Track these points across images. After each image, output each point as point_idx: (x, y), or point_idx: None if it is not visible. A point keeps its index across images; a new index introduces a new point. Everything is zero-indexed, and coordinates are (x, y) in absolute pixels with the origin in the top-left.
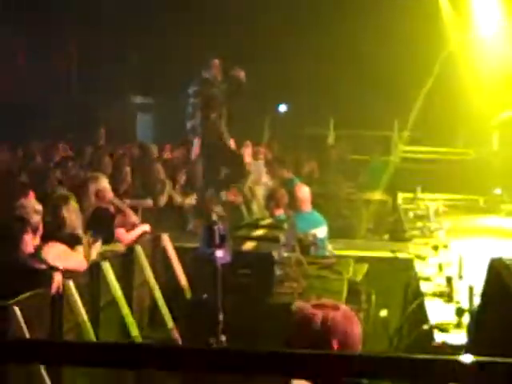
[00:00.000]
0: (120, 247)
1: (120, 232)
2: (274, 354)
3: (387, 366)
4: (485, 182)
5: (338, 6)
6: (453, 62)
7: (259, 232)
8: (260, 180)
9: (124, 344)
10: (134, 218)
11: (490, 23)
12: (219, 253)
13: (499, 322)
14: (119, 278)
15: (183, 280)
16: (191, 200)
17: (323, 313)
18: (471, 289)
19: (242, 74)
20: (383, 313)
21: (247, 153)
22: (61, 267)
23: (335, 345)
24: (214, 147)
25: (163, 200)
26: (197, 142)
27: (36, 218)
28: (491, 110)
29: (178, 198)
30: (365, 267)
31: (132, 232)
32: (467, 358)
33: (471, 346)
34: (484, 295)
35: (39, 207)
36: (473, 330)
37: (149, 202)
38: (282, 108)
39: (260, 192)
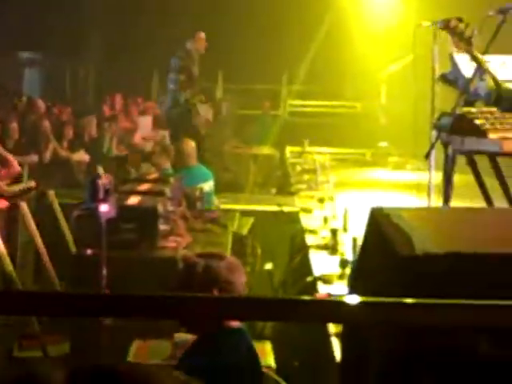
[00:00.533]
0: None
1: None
2: (140, 297)
3: (274, 308)
4: (372, 136)
5: None
6: (342, 15)
7: (145, 186)
8: (148, 135)
9: None
10: (18, 168)
11: None
12: (103, 207)
13: (375, 270)
14: (2, 235)
15: (68, 236)
16: (79, 156)
17: (206, 262)
18: (355, 240)
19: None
20: (268, 265)
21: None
22: None
23: (216, 293)
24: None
25: (48, 156)
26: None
27: None
28: (379, 64)
29: (63, 153)
30: (250, 221)
31: (15, 186)
32: (352, 299)
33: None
34: (363, 245)
35: None
36: (352, 279)
37: (34, 157)
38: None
39: (148, 146)
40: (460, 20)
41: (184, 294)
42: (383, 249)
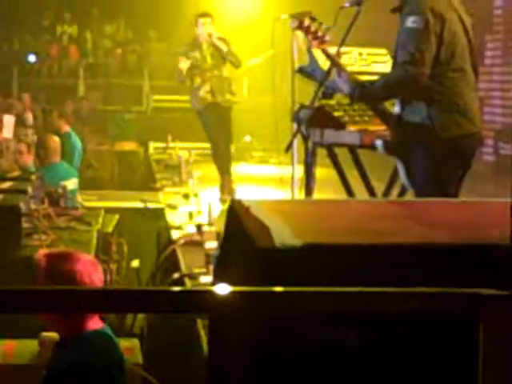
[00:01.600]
0: None
1: None
2: None
3: (145, 300)
4: (235, 130)
5: None
6: (203, 9)
7: (6, 184)
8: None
9: None
10: None
11: None
12: None
13: (236, 263)
14: None
15: None
16: None
17: (61, 262)
18: (219, 235)
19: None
20: (135, 263)
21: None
22: None
23: None
24: None
25: None
26: None
27: None
28: (243, 57)
29: None
30: (116, 218)
31: None
32: (222, 289)
33: None
34: (224, 238)
35: None
36: (215, 272)
37: None
38: (32, 58)
39: (12, 145)
40: (313, 19)
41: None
42: (243, 241)
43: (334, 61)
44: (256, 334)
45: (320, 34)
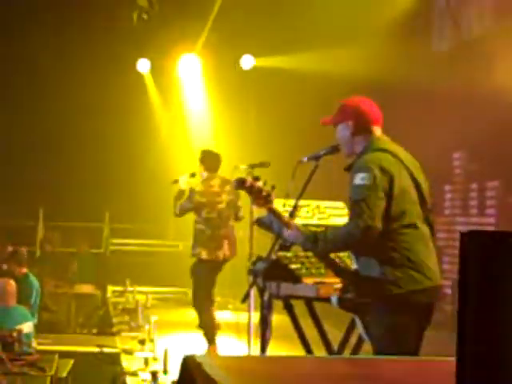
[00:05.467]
0: None
1: None
2: None
3: None
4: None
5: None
6: (166, 155)
7: None
8: None
9: None
10: None
11: (197, 101)
12: None
13: None
14: None
15: None
16: None
17: None
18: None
19: None
20: None
21: None
22: None
23: None
24: None
25: None
26: None
27: None
28: None
29: None
30: (70, 362)
31: None
32: None
33: None
34: None
35: None
36: None
37: None
38: None
39: None
40: (256, 178)
41: None
42: None
43: (280, 218)
44: None
45: (264, 193)
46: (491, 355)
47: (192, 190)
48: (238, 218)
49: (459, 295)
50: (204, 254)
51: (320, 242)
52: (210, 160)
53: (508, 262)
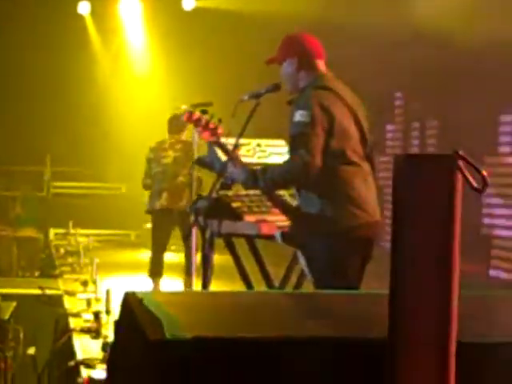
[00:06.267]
0: None
1: None
2: None
3: None
4: (136, 217)
5: None
6: (107, 96)
7: None
8: None
9: None
10: None
11: (138, 43)
12: None
13: (129, 354)
14: None
15: None
16: None
17: None
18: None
19: None
20: (31, 350)
21: None
22: None
23: None
24: None
25: None
26: None
27: None
28: (143, 145)
29: None
30: (12, 305)
31: None
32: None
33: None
34: (117, 329)
35: None
36: (109, 363)
37: None
38: None
39: None
40: (204, 112)
41: None
42: (135, 332)
43: (227, 152)
44: None
45: (211, 126)
46: (422, 282)
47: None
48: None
49: (393, 218)
50: (147, 205)
51: (260, 181)
52: (170, 123)
53: (440, 184)
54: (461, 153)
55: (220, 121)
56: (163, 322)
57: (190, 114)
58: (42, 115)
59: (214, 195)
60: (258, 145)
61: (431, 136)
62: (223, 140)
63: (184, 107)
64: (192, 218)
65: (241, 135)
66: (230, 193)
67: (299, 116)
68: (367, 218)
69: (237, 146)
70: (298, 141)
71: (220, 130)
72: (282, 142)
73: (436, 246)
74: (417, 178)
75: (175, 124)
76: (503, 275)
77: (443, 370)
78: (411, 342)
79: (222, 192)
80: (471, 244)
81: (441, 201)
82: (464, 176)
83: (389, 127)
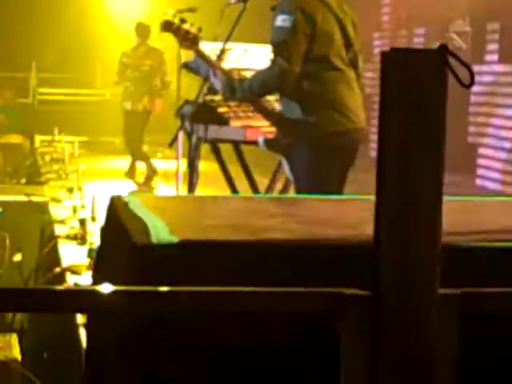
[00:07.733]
0: None
1: None
2: None
3: (23, 299)
4: (121, 124)
5: None
6: (92, 1)
7: None
8: None
9: None
10: None
11: None
12: None
13: (114, 259)
14: None
15: None
16: None
17: None
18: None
19: None
20: (17, 257)
21: None
22: None
23: None
24: None
25: None
26: None
27: None
28: None
29: None
30: None
31: None
32: (104, 288)
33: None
34: (103, 234)
35: None
36: (95, 268)
37: None
38: None
39: None
40: (183, 21)
41: None
42: (120, 237)
43: (207, 61)
44: (132, 331)
45: (191, 34)
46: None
47: (122, 54)
48: (164, 85)
49: (380, 117)
50: (128, 106)
51: (238, 91)
52: (140, 29)
53: (428, 78)
54: (449, 47)
55: (200, 29)
56: (149, 225)
57: (168, 23)
58: (28, 22)
59: (201, 100)
60: (245, 50)
61: (419, 44)
62: (209, 44)
63: (170, 12)
64: (178, 123)
65: (227, 40)
66: (216, 97)
67: (280, 21)
68: (350, 124)
69: (223, 51)
70: (277, 48)
71: (200, 38)
72: (269, 48)
73: (423, 140)
74: (404, 73)
75: (142, 30)
76: (489, 185)
77: (431, 265)
78: (399, 243)
79: (208, 97)
80: (458, 153)
81: (429, 95)
82: (452, 71)
83: (376, 35)
